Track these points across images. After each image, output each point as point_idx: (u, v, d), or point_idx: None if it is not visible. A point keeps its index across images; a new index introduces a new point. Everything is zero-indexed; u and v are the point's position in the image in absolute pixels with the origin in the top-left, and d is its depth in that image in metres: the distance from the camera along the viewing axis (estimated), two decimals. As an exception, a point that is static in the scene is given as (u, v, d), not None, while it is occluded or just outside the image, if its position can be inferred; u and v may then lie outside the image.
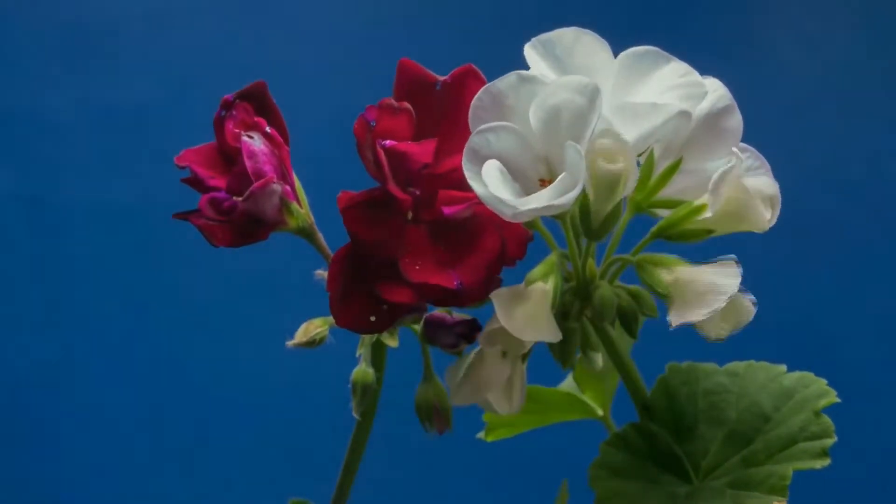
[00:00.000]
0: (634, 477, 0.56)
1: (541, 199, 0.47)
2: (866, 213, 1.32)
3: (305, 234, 0.56)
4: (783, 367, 0.59)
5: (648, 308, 0.53)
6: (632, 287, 0.53)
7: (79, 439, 1.30)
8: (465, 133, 0.50)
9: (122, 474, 1.29)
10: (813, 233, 1.27)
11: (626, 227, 0.53)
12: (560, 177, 0.47)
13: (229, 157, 0.55)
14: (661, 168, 0.52)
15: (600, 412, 0.68)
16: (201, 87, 1.29)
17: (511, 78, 0.50)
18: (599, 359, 0.55)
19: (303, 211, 0.56)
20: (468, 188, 0.49)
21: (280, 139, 0.55)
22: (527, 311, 0.50)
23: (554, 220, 0.52)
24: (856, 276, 1.31)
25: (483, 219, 0.51)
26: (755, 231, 0.52)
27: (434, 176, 0.52)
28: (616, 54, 0.52)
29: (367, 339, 0.58)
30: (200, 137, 0.57)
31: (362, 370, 0.58)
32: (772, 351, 0.61)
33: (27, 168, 1.33)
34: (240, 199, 0.53)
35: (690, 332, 0.52)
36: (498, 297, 0.51)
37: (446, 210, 0.51)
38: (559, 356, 0.54)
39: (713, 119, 0.52)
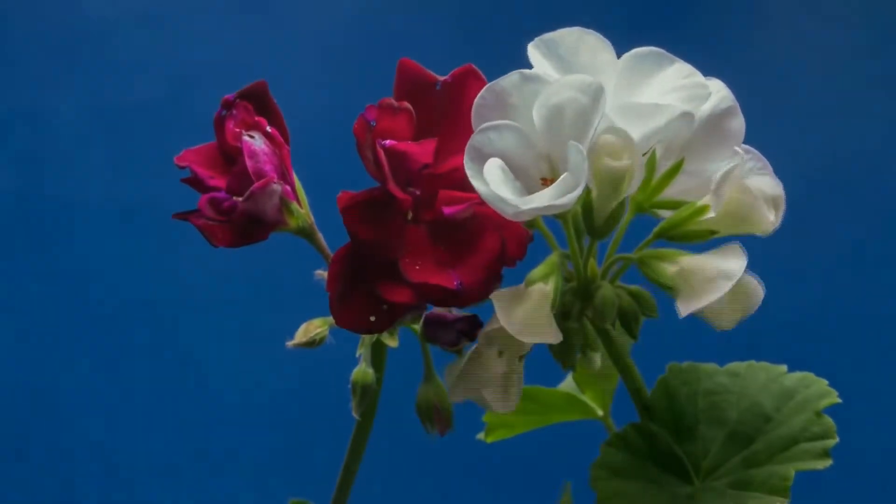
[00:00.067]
0: (635, 477, 0.56)
1: (542, 199, 0.47)
2: (866, 213, 1.32)
3: (305, 234, 0.56)
4: (784, 368, 0.59)
5: (649, 308, 0.52)
6: (632, 287, 0.53)
7: (79, 439, 1.30)
8: (465, 133, 0.50)
9: (121, 474, 1.29)
10: (813, 233, 1.27)
11: (626, 228, 0.53)
12: (562, 177, 0.47)
13: (230, 157, 0.55)
14: (662, 169, 0.52)
15: (600, 412, 0.68)
16: (201, 87, 1.29)
17: (514, 76, 0.50)
18: (598, 359, 0.55)
19: (303, 211, 0.56)
20: (468, 188, 0.49)
21: (280, 139, 0.55)
22: (527, 312, 0.50)
23: (555, 219, 0.52)
24: (856, 276, 1.31)
25: (483, 219, 0.51)
26: (758, 234, 0.51)
27: (434, 176, 0.52)
28: (618, 54, 0.52)
29: (367, 339, 0.58)
30: (201, 137, 0.57)
31: (362, 370, 0.58)
32: (772, 351, 0.61)
33: (27, 168, 1.33)
34: (240, 199, 0.53)
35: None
36: (498, 297, 0.50)
37: (446, 210, 0.51)
38: (560, 357, 0.53)
39: (715, 120, 0.52)
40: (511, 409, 0.56)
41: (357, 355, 0.58)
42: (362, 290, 0.51)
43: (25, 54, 1.34)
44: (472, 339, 0.55)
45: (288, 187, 0.55)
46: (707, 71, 0.52)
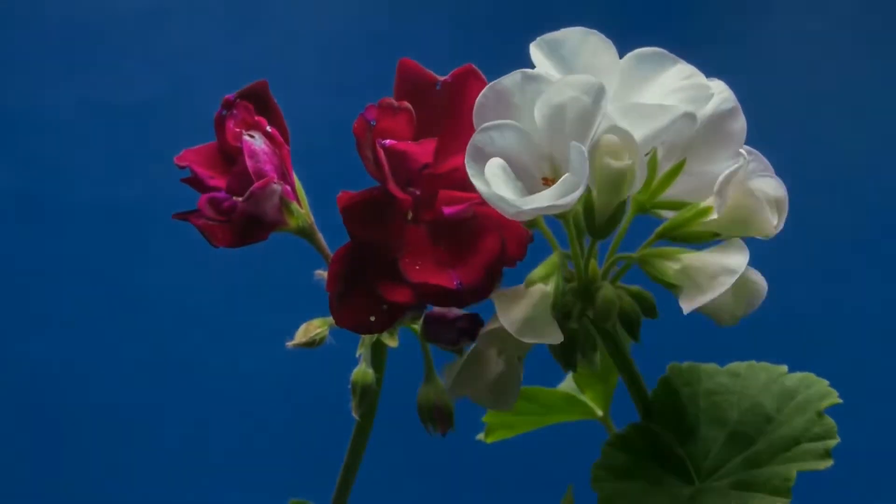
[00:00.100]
0: (637, 478, 0.56)
1: (543, 199, 0.47)
2: (866, 212, 1.32)
3: (305, 234, 0.56)
4: (784, 368, 0.59)
5: (650, 309, 0.52)
6: (633, 288, 0.53)
7: (77, 439, 1.30)
8: (465, 133, 0.50)
9: (121, 475, 1.29)
10: (813, 233, 1.27)
11: (628, 228, 0.52)
12: (563, 177, 0.47)
13: (230, 157, 0.55)
14: (664, 169, 0.52)
15: (600, 413, 0.68)
16: (202, 87, 1.29)
17: (516, 76, 0.50)
18: (597, 358, 0.55)
19: (303, 211, 0.56)
20: (469, 188, 0.49)
21: (281, 139, 0.55)
22: (527, 312, 0.50)
23: (556, 219, 0.52)
24: (856, 275, 1.31)
25: (483, 219, 0.51)
26: (761, 237, 0.51)
27: (434, 176, 0.52)
28: (620, 54, 0.52)
29: (367, 339, 0.58)
30: (201, 137, 0.57)
31: (362, 370, 0.58)
32: (773, 351, 0.61)
33: (27, 168, 1.33)
34: (240, 199, 0.53)
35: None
36: (498, 298, 0.50)
37: (446, 210, 0.51)
38: (560, 358, 0.53)
39: (717, 121, 0.52)
40: (507, 409, 0.56)
41: (357, 355, 0.58)
42: (362, 290, 0.51)
43: (25, 54, 1.34)
44: (473, 337, 0.54)
45: (288, 187, 0.55)
46: (709, 72, 0.52)
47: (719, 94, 0.52)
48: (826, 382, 0.57)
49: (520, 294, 0.51)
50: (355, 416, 0.58)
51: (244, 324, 1.28)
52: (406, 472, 1.24)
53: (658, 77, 0.51)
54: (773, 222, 0.51)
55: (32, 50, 1.34)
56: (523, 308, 0.50)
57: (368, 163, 0.52)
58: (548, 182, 0.49)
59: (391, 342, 0.58)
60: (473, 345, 0.54)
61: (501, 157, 0.49)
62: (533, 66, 0.51)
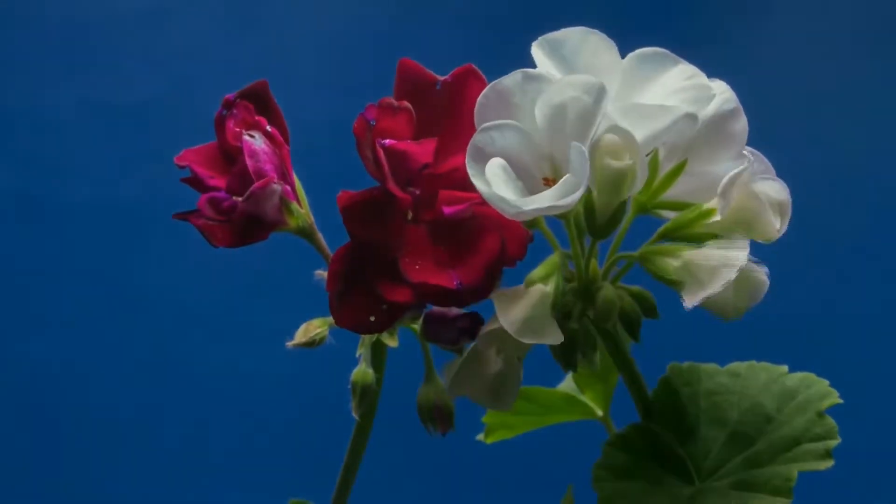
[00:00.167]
0: (637, 478, 0.56)
1: (544, 200, 0.47)
2: (866, 213, 1.32)
3: (305, 234, 0.56)
4: (785, 368, 0.59)
5: (650, 309, 0.52)
6: (634, 288, 0.53)
7: (77, 439, 1.29)
8: (465, 133, 0.50)
9: (121, 475, 1.29)
10: (813, 233, 1.27)
11: (628, 228, 0.52)
12: (564, 178, 0.47)
13: (230, 157, 0.55)
14: (665, 170, 0.52)
15: (600, 413, 0.68)
16: (202, 87, 1.29)
17: (517, 76, 0.50)
18: (597, 358, 0.55)
19: (303, 211, 0.56)
20: (469, 188, 0.49)
21: (281, 138, 0.55)
22: (527, 313, 0.50)
23: (557, 219, 0.52)
24: (856, 275, 1.31)
25: (483, 219, 0.51)
26: (763, 241, 0.51)
27: (434, 176, 0.52)
28: (622, 54, 0.52)
29: (367, 339, 0.58)
30: (201, 137, 0.56)
31: (362, 370, 0.58)
32: (773, 351, 0.61)
33: (27, 168, 1.33)
34: (240, 198, 0.53)
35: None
36: (498, 298, 0.50)
37: (446, 210, 0.51)
38: (560, 358, 0.53)
39: (719, 122, 0.52)
40: (507, 409, 0.56)
41: (357, 355, 0.58)
42: (362, 290, 0.51)
43: (25, 54, 1.34)
44: (474, 336, 0.54)
45: (288, 187, 0.55)
46: (709, 72, 0.52)
47: (721, 94, 0.52)
48: (826, 382, 0.57)
49: (520, 294, 0.51)
50: (355, 416, 0.58)
51: (244, 324, 1.28)
52: (406, 472, 1.24)
53: (660, 77, 0.51)
54: (775, 226, 0.51)
55: (32, 50, 1.34)
56: (523, 308, 0.50)
57: (368, 163, 0.52)
58: (548, 182, 0.49)
59: (391, 342, 0.58)
60: (473, 343, 0.54)
61: (502, 157, 0.49)
62: (534, 66, 0.51)
